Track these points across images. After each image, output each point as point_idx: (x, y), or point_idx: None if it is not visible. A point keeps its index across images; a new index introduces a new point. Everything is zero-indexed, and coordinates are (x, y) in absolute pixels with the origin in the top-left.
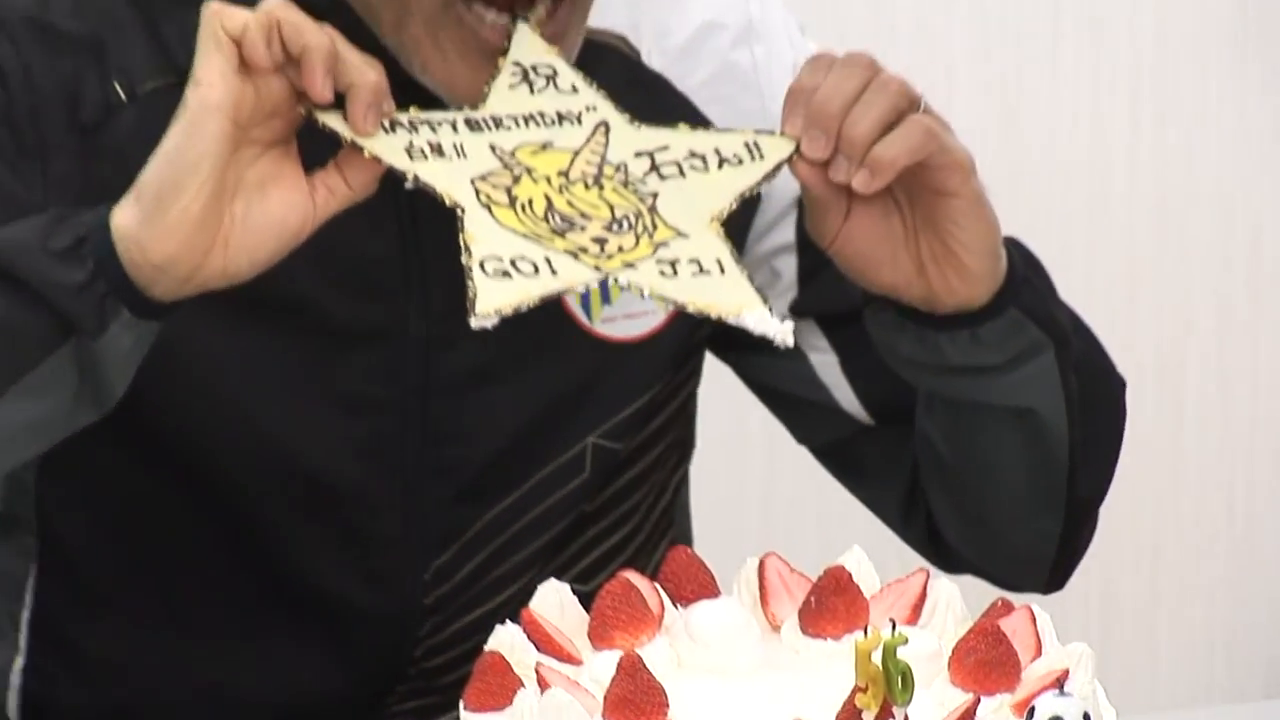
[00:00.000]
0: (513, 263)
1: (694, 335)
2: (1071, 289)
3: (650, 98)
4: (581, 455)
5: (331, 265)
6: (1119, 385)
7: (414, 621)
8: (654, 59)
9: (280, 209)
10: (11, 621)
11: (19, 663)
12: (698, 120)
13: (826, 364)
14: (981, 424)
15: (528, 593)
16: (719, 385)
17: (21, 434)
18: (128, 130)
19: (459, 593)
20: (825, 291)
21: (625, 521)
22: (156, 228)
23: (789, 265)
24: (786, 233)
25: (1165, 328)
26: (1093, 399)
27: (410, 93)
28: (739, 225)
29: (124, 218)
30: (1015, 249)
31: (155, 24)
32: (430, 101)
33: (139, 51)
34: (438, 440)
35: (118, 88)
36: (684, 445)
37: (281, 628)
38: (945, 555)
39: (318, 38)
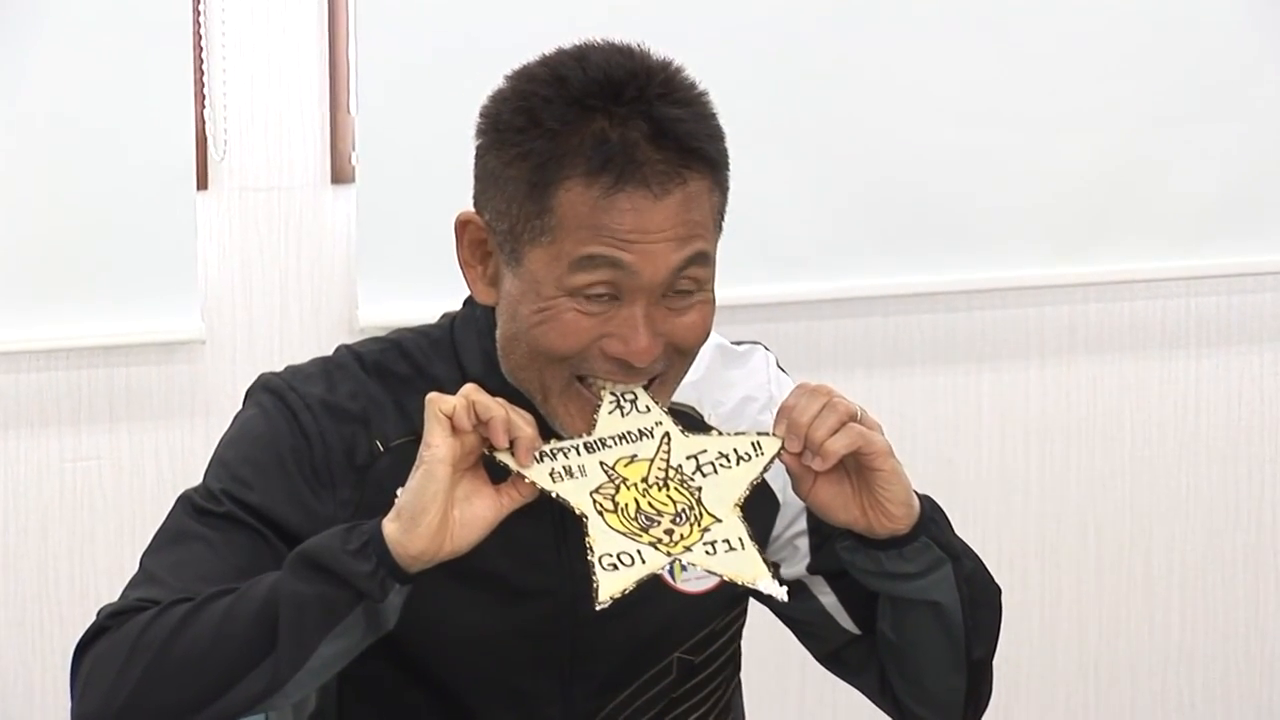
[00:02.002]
0: (619, 557)
1: (741, 586)
2: None
3: (705, 428)
4: (670, 664)
5: (509, 547)
6: (996, 589)
7: None
8: (711, 419)
9: (480, 510)
10: None
11: None
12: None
13: (829, 601)
14: (909, 612)
15: None
16: (764, 615)
17: (333, 662)
18: (385, 470)
19: None
20: (826, 558)
21: (699, 707)
22: (412, 535)
23: (804, 543)
24: (800, 524)
25: None
26: (978, 596)
27: (543, 424)
28: (765, 524)
29: (390, 529)
30: (924, 499)
31: (400, 402)
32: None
33: (390, 419)
34: (582, 656)
35: (378, 443)
36: (736, 657)
37: None
38: (901, 711)
39: (497, 410)
